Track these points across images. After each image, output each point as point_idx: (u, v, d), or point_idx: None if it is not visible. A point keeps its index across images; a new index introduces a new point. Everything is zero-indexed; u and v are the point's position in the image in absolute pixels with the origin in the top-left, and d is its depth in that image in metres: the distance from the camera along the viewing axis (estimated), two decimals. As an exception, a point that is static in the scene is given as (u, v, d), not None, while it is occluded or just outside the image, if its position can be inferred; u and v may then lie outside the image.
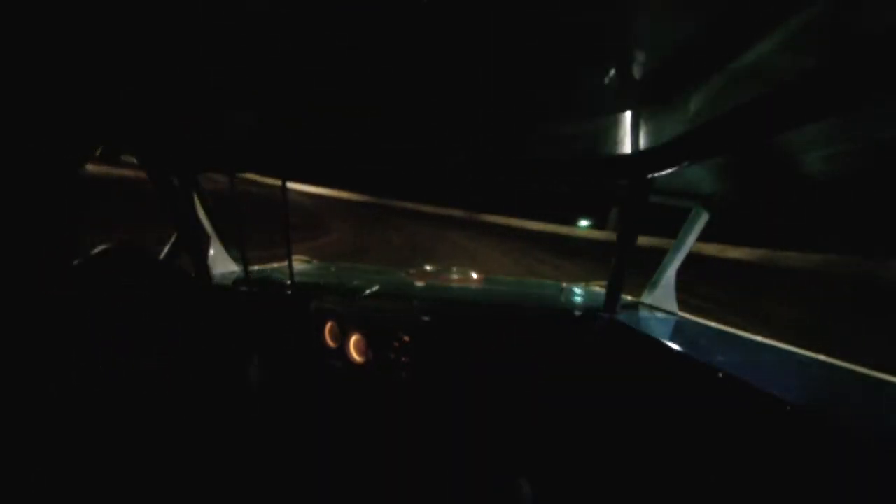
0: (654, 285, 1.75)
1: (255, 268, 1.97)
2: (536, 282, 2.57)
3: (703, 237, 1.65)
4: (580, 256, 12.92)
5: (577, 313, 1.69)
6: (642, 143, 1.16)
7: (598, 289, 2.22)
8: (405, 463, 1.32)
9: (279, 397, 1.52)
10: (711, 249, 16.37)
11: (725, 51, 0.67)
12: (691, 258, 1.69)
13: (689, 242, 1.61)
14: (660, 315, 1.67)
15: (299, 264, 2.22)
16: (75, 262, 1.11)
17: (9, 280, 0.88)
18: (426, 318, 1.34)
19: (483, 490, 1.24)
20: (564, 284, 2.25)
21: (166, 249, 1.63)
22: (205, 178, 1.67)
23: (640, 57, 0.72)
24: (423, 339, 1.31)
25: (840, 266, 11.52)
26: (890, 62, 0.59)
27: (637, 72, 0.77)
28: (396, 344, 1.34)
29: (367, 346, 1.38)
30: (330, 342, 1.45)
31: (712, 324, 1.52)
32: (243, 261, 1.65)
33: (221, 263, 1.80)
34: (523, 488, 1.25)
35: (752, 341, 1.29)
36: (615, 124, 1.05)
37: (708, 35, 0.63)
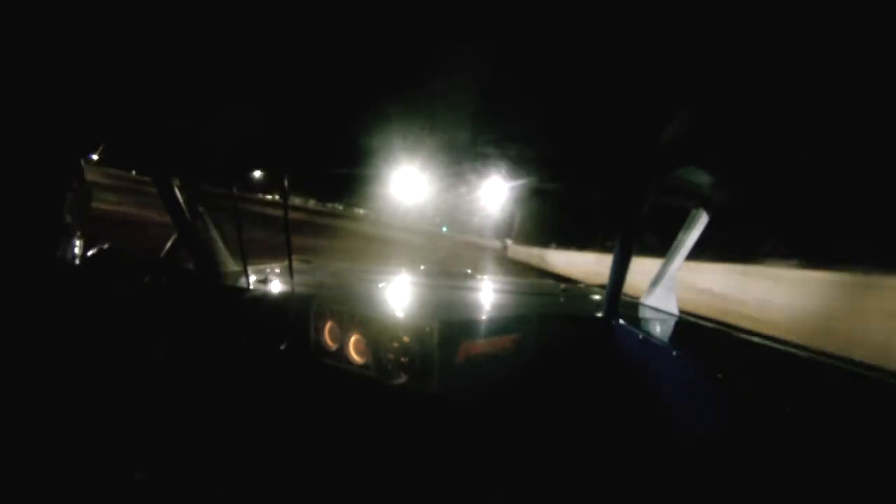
0: (654, 286, 1.75)
1: (256, 267, 1.98)
2: (536, 283, 2.57)
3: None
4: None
5: (578, 315, 1.69)
6: (642, 144, 1.16)
7: (598, 290, 2.21)
8: (403, 463, 1.32)
9: (279, 397, 1.52)
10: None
11: (726, 50, 0.67)
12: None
13: (690, 243, 1.61)
14: (660, 316, 1.67)
15: (299, 264, 2.22)
16: (75, 263, 1.11)
17: (8, 279, 0.89)
18: (426, 319, 1.34)
19: (480, 492, 1.23)
20: (563, 286, 2.24)
21: (167, 249, 1.63)
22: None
23: (641, 57, 0.72)
24: (423, 340, 1.31)
25: None
26: (889, 60, 0.59)
27: (637, 72, 0.77)
28: (396, 344, 1.34)
29: (367, 347, 1.38)
30: (329, 342, 1.45)
31: (712, 324, 1.51)
32: (243, 260, 1.65)
33: (221, 263, 1.80)
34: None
35: (752, 341, 1.29)
36: (615, 125, 1.05)
37: (708, 35, 0.63)
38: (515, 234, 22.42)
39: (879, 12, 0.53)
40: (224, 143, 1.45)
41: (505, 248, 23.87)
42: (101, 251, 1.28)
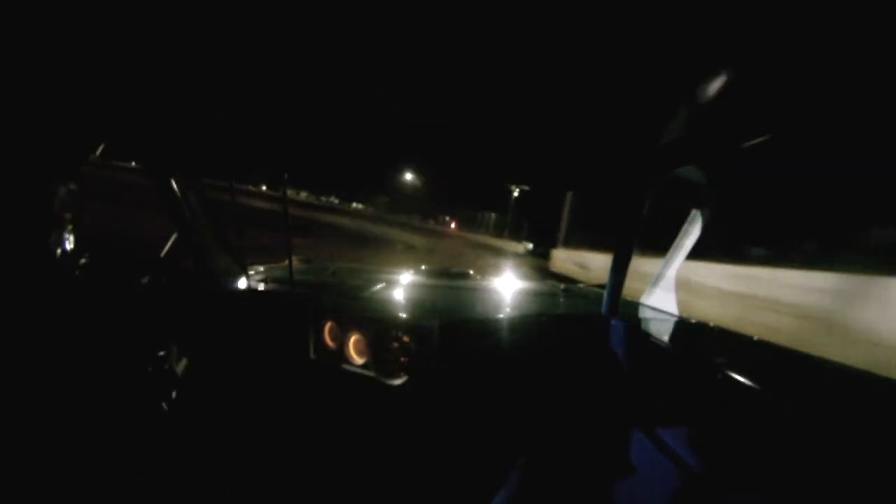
0: (654, 286, 1.75)
1: (255, 267, 1.97)
2: (536, 283, 2.57)
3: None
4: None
5: (578, 314, 1.69)
6: (642, 144, 1.17)
7: (598, 290, 2.22)
8: (403, 463, 1.32)
9: (279, 397, 1.51)
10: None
11: (726, 50, 0.67)
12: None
13: (689, 243, 1.61)
14: (660, 316, 1.67)
15: (299, 264, 2.22)
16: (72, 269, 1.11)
17: (6, 279, 0.88)
18: (426, 319, 1.34)
19: (480, 492, 1.23)
20: (563, 286, 2.25)
21: (166, 249, 1.63)
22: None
23: (641, 57, 0.72)
24: (423, 340, 1.31)
25: None
26: (889, 61, 0.59)
27: (637, 73, 0.77)
28: (396, 344, 1.34)
29: (367, 347, 1.38)
30: (329, 342, 1.45)
31: (712, 324, 1.51)
32: (243, 260, 1.65)
33: (221, 263, 1.80)
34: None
35: (752, 341, 1.29)
36: (615, 125, 1.06)
37: (708, 34, 0.63)
38: (564, 235, 15.38)
39: (878, 12, 0.54)
40: (224, 141, 1.45)
41: (535, 253, 17.58)
42: (100, 253, 1.28)
